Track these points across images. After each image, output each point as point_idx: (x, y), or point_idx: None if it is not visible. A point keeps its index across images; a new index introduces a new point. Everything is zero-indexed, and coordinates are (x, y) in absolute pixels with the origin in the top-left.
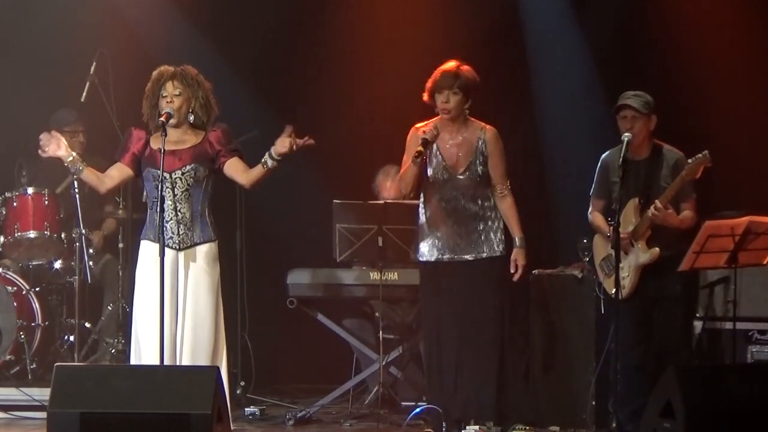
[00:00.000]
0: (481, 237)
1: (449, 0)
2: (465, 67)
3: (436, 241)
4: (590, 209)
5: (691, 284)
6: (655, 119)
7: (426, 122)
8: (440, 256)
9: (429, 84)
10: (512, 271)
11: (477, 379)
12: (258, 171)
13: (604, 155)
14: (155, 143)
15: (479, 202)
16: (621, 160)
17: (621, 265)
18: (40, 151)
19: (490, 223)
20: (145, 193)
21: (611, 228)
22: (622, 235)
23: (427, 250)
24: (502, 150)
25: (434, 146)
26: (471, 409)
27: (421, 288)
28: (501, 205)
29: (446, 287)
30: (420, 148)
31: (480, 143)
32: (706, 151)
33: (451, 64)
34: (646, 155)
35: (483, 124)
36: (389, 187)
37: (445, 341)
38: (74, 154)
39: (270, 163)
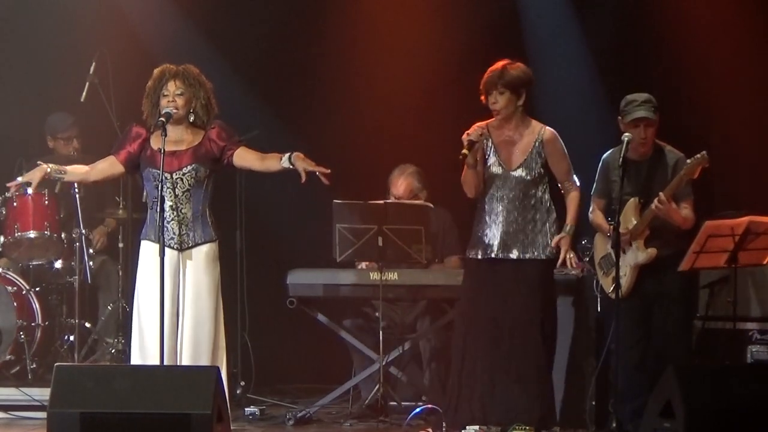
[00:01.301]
0: (528, 238)
1: (449, 0)
2: (513, 65)
3: (485, 238)
4: (591, 208)
5: (691, 284)
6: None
7: (487, 121)
8: (488, 254)
9: (480, 86)
10: (553, 245)
11: (520, 381)
12: (273, 163)
13: (605, 155)
14: (155, 143)
15: (530, 202)
16: (621, 160)
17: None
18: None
19: (540, 225)
20: (145, 193)
21: (611, 227)
22: (622, 232)
23: (476, 247)
24: (561, 149)
25: (490, 142)
26: (513, 412)
27: (463, 284)
28: (566, 198)
29: (490, 286)
30: (464, 151)
31: (537, 144)
32: (704, 152)
33: (498, 64)
34: (648, 155)
35: (542, 125)
36: (400, 184)
37: (482, 341)
38: (50, 165)
39: (286, 164)
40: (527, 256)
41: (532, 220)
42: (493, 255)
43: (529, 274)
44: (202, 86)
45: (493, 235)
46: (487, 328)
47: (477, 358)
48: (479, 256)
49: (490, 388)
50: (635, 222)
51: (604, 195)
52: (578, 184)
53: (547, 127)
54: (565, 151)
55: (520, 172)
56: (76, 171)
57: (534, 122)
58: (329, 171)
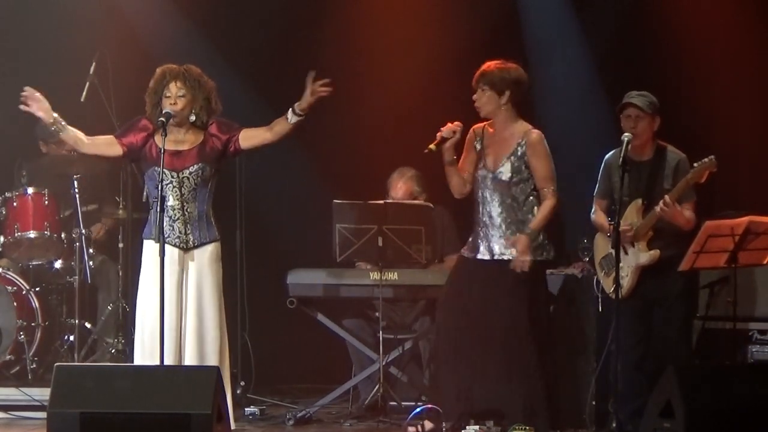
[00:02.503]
0: (506, 241)
1: (449, 0)
2: (500, 64)
3: (473, 237)
4: (593, 208)
5: (691, 284)
6: (658, 120)
7: (483, 123)
8: (474, 254)
9: None
10: (509, 244)
11: (500, 379)
12: (282, 125)
13: (607, 155)
14: (159, 141)
15: (510, 203)
16: (621, 160)
17: (620, 264)
18: (21, 107)
19: (524, 226)
20: (146, 193)
21: (611, 227)
22: (623, 227)
23: (466, 246)
24: (544, 153)
25: (479, 144)
26: (494, 409)
27: (447, 280)
28: (541, 205)
29: (467, 285)
30: (431, 146)
31: (518, 146)
32: (712, 156)
33: (486, 63)
34: (649, 156)
35: (529, 126)
36: (399, 187)
37: (458, 339)
38: (55, 115)
39: (294, 119)
40: (505, 257)
41: (514, 222)
42: (479, 255)
43: (514, 273)
44: (203, 87)
45: (480, 235)
46: (465, 327)
47: (454, 355)
48: (466, 255)
49: (467, 385)
50: (637, 224)
51: (607, 195)
52: (556, 193)
53: (534, 130)
54: (549, 156)
55: (502, 173)
56: (71, 133)
57: (522, 123)
58: (330, 80)
